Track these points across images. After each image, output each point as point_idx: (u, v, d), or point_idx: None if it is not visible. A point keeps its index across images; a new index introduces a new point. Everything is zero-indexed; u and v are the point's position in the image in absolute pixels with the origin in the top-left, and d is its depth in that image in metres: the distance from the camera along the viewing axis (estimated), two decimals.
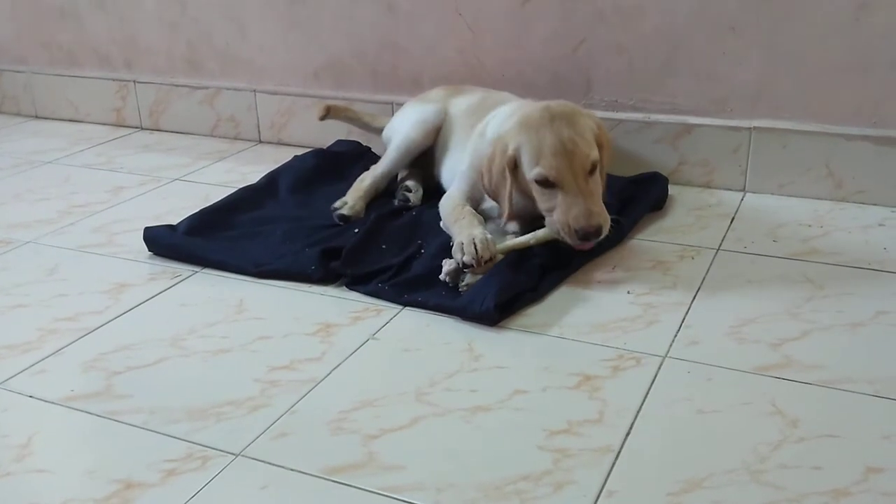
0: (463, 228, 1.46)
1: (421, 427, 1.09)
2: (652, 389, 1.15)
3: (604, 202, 1.44)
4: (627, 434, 1.06)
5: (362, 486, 0.99)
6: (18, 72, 2.62)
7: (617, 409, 1.11)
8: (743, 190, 1.80)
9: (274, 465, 1.04)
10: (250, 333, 1.34)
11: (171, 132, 2.42)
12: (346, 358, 1.26)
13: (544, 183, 1.40)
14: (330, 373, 1.22)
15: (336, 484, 1.00)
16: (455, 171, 1.66)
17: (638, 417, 1.09)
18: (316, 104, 2.15)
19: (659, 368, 1.20)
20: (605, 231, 1.41)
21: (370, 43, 2.07)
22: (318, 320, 1.36)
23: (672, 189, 1.78)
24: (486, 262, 1.38)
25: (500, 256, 1.42)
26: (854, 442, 1.03)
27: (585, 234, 1.38)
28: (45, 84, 2.58)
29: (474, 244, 1.39)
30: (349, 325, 1.35)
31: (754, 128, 1.76)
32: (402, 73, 2.06)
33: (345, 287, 1.47)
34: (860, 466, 0.99)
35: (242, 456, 1.05)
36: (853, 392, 1.13)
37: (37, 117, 2.64)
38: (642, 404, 1.12)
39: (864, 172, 1.69)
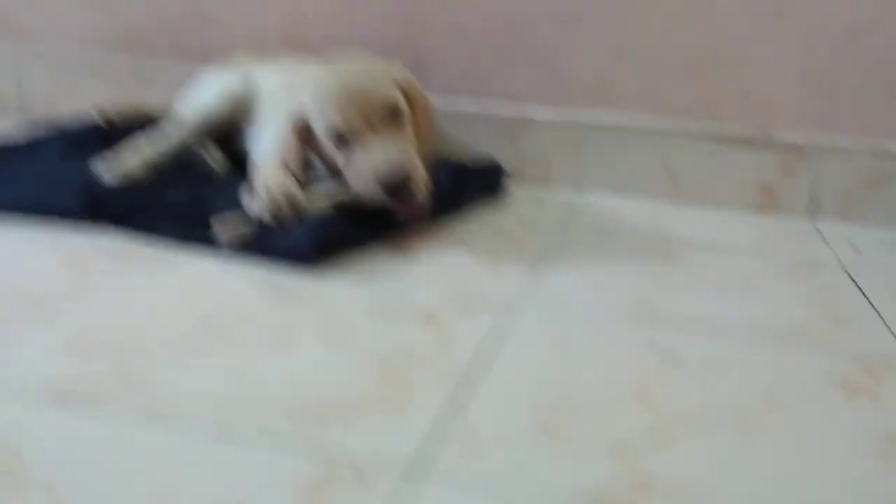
0: (266, 178, 1.21)
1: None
2: (505, 337, 0.94)
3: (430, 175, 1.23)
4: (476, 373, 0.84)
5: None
6: None
7: (462, 346, 0.89)
8: (580, 187, 1.68)
9: None
10: None
11: None
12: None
13: (338, 139, 1.19)
14: None
15: None
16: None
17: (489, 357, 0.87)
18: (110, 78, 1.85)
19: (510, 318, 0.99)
20: (420, 185, 1.18)
21: (174, 12, 1.81)
22: None
23: (508, 183, 1.63)
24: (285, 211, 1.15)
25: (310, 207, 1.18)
26: None
27: (392, 185, 1.15)
28: None
29: (271, 190, 1.16)
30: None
31: (594, 123, 1.66)
32: (212, 45, 1.81)
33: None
34: None
35: None
36: None
37: None
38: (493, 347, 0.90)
39: (700, 171, 1.63)
